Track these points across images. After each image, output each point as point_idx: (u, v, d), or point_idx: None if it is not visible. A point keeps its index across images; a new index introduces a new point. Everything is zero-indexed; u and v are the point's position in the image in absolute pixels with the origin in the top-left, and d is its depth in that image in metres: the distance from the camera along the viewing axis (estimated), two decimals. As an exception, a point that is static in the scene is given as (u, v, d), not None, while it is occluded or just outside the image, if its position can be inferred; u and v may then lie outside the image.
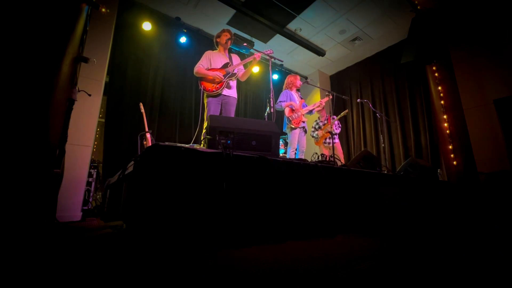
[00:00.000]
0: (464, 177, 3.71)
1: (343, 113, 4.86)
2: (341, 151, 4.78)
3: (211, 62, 3.07)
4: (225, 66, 3.07)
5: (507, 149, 3.62)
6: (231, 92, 3.08)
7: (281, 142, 5.47)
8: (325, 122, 4.80)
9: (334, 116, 4.83)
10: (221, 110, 3.03)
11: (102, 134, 4.34)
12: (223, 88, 2.98)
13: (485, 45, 4.06)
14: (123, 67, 4.41)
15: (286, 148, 5.29)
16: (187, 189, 1.36)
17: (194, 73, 3.05)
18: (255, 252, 1.30)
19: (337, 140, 4.69)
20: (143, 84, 4.61)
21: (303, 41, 5.41)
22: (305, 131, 3.93)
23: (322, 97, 6.44)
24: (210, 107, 2.96)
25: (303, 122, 3.85)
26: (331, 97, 4.13)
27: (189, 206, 1.35)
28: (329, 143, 4.65)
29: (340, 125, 4.87)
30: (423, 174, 3.17)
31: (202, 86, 2.99)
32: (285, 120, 3.84)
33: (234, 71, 3.08)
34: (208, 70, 3.01)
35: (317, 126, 4.88)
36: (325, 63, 6.43)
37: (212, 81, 2.98)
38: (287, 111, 3.80)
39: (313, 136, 4.84)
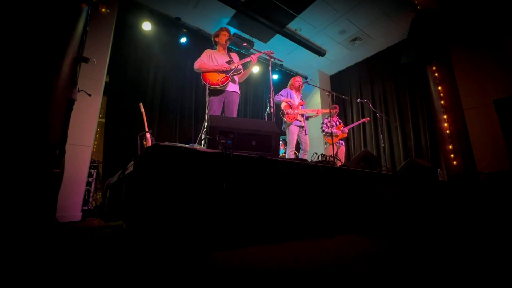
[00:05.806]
0: (464, 177, 3.71)
1: (361, 120, 5.28)
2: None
3: (213, 60, 3.04)
4: (228, 63, 3.06)
5: (507, 149, 3.62)
6: (235, 88, 3.03)
7: (281, 142, 5.47)
8: (337, 123, 4.95)
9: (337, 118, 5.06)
10: (223, 108, 3.00)
11: (102, 134, 4.34)
12: (228, 82, 2.91)
13: (485, 45, 4.06)
14: (123, 67, 4.41)
15: (286, 148, 5.31)
16: (187, 189, 1.36)
17: (195, 69, 2.94)
18: (256, 252, 1.30)
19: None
20: (143, 84, 4.61)
21: (303, 41, 5.41)
22: (306, 132, 3.92)
23: (322, 97, 6.49)
24: (212, 106, 2.92)
25: (299, 121, 3.84)
26: (334, 108, 4.29)
27: (189, 206, 1.35)
28: (340, 143, 4.89)
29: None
30: (423, 174, 3.17)
31: (207, 80, 2.86)
32: (281, 114, 3.87)
33: (239, 67, 3.04)
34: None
35: (329, 124, 4.87)
36: (325, 63, 6.43)
37: (217, 73, 2.89)
38: (283, 105, 3.84)
39: (327, 133, 4.83)
